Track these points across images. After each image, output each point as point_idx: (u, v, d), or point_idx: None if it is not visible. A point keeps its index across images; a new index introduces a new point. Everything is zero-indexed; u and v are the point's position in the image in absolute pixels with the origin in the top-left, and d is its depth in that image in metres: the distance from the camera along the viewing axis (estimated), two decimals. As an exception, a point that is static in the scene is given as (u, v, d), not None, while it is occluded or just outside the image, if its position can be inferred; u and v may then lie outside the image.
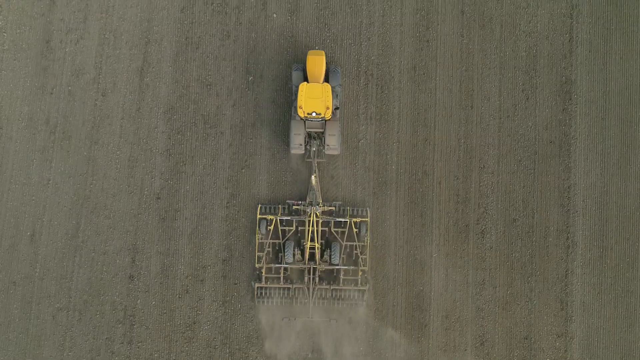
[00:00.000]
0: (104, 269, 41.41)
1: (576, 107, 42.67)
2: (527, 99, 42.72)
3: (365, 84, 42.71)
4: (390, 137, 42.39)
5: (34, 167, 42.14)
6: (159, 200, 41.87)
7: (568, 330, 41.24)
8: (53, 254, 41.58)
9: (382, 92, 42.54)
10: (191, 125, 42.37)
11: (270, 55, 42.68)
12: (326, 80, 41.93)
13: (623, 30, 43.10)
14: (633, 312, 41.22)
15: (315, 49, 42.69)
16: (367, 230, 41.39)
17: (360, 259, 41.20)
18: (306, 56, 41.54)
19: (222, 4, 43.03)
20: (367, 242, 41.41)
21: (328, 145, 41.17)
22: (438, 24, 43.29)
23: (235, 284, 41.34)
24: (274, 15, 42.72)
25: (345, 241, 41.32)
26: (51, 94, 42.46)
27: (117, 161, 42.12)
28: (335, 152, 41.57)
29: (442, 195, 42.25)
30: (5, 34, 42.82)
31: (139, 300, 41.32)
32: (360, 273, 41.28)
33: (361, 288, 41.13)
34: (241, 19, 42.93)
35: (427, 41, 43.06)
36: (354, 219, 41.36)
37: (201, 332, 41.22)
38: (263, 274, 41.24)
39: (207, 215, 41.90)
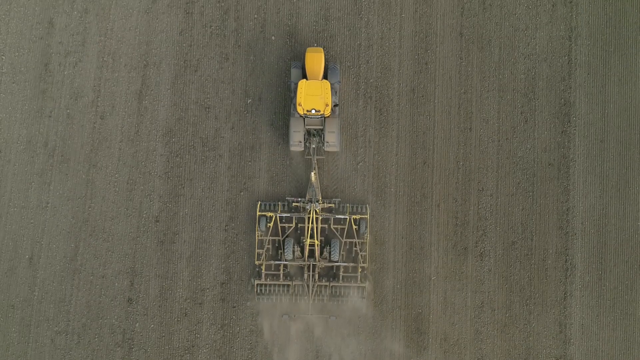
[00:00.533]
0: (103, 292, 43.04)
1: (575, 129, 44.36)
2: (526, 121, 44.41)
3: (364, 107, 44.46)
4: (389, 159, 44.11)
5: (32, 190, 43.79)
6: (157, 223, 43.51)
7: (567, 352, 42.87)
8: (52, 277, 43.20)
9: (381, 114, 44.27)
10: (190, 148, 44.08)
11: (269, 77, 44.47)
12: (325, 77, 43.85)
13: (622, 53, 44.82)
14: (632, 335, 42.83)
15: (313, 46, 44.48)
16: (366, 227, 43.26)
17: (359, 256, 43.06)
18: (305, 53, 43.54)
19: (221, 26, 44.81)
20: (366, 239, 43.30)
21: (327, 142, 43.03)
22: (437, 47, 45.02)
23: (234, 307, 42.96)
24: (273, 37, 44.49)
25: (345, 238, 43.20)
26: (50, 116, 44.16)
27: (116, 184, 43.79)
28: (335, 149, 43.55)
29: (440, 217, 43.89)
30: (3, 57, 44.59)
31: (137, 324, 42.93)
32: (359, 270, 43.09)
33: (361, 285, 42.97)
34: (240, 42, 44.71)
35: (426, 63, 44.82)
36: (354, 216, 43.28)
37: (200, 356, 42.86)
38: (263, 271, 43.07)
39: (206, 238, 43.55)
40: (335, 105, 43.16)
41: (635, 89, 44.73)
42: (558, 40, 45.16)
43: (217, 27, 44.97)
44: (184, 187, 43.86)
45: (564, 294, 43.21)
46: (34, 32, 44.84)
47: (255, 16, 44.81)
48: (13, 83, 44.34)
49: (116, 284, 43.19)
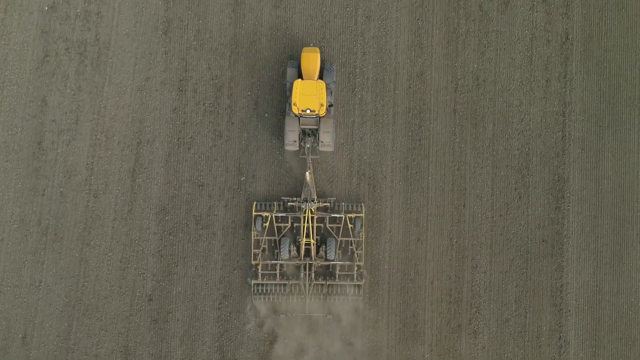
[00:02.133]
0: (97, 372, 48.42)
1: (569, 205, 49.82)
2: (520, 197, 49.84)
3: (358, 184, 49.97)
4: (383, 236, 49.58)
5: (25, 269, 49.22)
6: (150, 302, 48.84)
7: None
8: (45, 356, 48.69)
9: (374, 191, 49.72)
10: (183, 227, 49.48)
11: (262, 155, 50.08)
12: (320, 77, 48.79)
13: (615, 128, 50.34)
14: (625, 413, 48.34)
15: (310, 46, 50.44)
16: (362, 225, 48.96)
17: (355, 254, 48.32)
18: (301, 53, 49.05)
19: (214, 103, 50.25)
20: (362, 237, 48.97)
21: (322, 142, 48.07)
22: (430, 123, 50.52)
23: (228, 386, 48.39)
24: (266, 114, 49.81)
25: (341, 237, 48.27)
26: (43, 195, 49.52)
27: (109, 263, 49.17)
28: (330, 149, 49.16)
29: (434, 295, 49.38)
30: (-4, 135, 50.01)
31: (131, 403, 48.37)
32: (356, 268, 48.74)
33: (357, 283, 48.61)
34: (233, 119, 50.18)
35: (420, 140, 50.27)
36: (349, 215, 48.67)
37: None
38: (259, 271, 48.22)
39: (199, 317, 49.00)
40: (330, 106, 48.12)
41: (629, 164, 50.12)
42: (552, 116, 50.59)
43: (211, 105, 50.38)
44: (177, 266, 49.20)
45: (558, 372, 48.56)
46: (27, 110, 50.18)
47: (249, 93, 50.25)
48: (6, 161, 49.67)
49: (110, 364, 48.48)
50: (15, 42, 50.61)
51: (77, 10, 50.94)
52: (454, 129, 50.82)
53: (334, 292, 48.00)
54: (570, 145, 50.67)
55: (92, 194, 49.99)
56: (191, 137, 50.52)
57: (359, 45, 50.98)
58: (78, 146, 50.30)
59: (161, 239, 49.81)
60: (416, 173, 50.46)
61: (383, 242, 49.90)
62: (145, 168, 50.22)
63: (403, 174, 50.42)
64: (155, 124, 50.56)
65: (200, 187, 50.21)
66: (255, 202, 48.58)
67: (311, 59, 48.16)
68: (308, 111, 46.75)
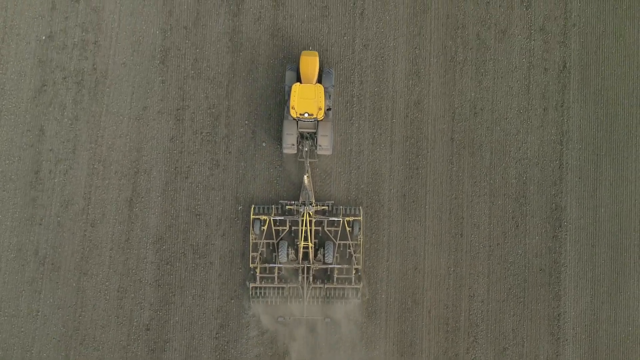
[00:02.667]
0: (94, 402, 49.89)
1: (566, 234, 51.22)
2: (517, 226, 51.16)
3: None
4: (380, 265, 51.03)
5: (22, 299, 50.60)
6: (148, 331, 50.19)
7: None
8: (42, 387, 49.88)
9: (372, 220, 51.07)
10: (180, 256, 50.90)
11: (259, 184, 51.77)
12: (319, 81, 50.54)
13: (613, 157, 51.75)
14: None
15: (308, 49, 52.20)
16: (360, 228, 50.63)
17: (353, 258, 49.98)
18: (300, 56, 50.82)
19: (212, 132, 51.60)
20: (360, 240, 50.68)
21: (320, 146, 49.78)
22: (428, 152, 51.91)
23: (225, 416, 49.81)
24: (264, 144, 51.09)
25: (339, 240, 50.01)
26: (40, 224, 50.87)
27: (106, 292, 50.54)
28: (328, 153, 50.93)
29: (431, 324, 50.80)
30: (-7, 164, 51.45)
31: None
32: (353, 271, 50.39)
33: (355, 286, 50.23)
34: (230, 148, 51.55)
35: (417, 169, 51.64)
36: (347, 218, 50.27)
37: None
38: (257, 274, 49.77)
39: (197, 346, 50.48)
40: (329, 109, 50.02)
41: (626, 192, 51.62)
42: (549, 144, 51.94)
43: (208, 134, 51.73)
44: (174, 295, 50.56)
45: (555, 401, 50.02)
46: (24, 140, 51.57)
47: (246, 122, 51.69)
48: (3, 191, 51.07)
49: (108, 394, 49.95)
50: (12, 71, 52.06)
51: (75, 40, 52.38)
52: (451, 157, 52.16)
53: (332, 295, 49.61)
54: (567, 173, 52.02)
55: (89, 224, 51.29)
56: (188, 167, 51.84)
57: (356, 74, 52.38)
58: (75, 175, 51.67)
59: (158, 268, 51.13)
60: (413, 202, 51.76)
61: (380, 271, 51.23)
62: (142, 197, 51.55)
63: (400, 203, 51.74)
64: (152, 153, 51.90)
65: (198, 216, 51.51)
66: (253, 206, 50.20)
67: (310, 63, 49.81)
68: (306, 115, 48.36)
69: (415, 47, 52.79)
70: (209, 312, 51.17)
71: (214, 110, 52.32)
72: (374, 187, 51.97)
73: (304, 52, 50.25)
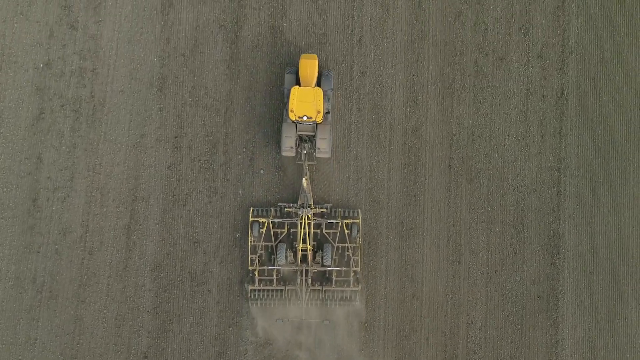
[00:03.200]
0: None
1: (564, 261, 52.46)
2: (515, 253, 52.37)
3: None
4: (378, 293, 52.18)
5: (20, 327, 51.95)
6: (146, 359, 51.71)
7: None
8: (40, 415, 51.12)
9: (370, 247, 52.27)
10: (178, 283, 52.10)
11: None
12: (318, 84, 51.47)
13: (611, 184, 53.03)
14: None
15: (308, 52, 53.54)
16: (358, 231, 52.09)
17: (352, 260, 51.25)
18: (299, 60, 52.10)
19: (210, 160, 52.79)
20: (358, 243, 52.14)
21: (319, 149, 50.84)
22: (425, 179, 53.14)
23: None
24: (262, 171, 52.20)
25: (337, 242, 51.20)
26: (38, 252, 52.09)
27: (104, 320, 51.73)
28: (326, 156, 51.94)
29: (429, 351, 52.22)
30: (-9, 192, 52.68)
31: None
32: (352, 274, 51.58)
33: (353, 288, 51.67)
34: (228, 176, 52.76)
35: (415, 196, 52.84)
36: (346, 221, 51.53)
37: None
38: (256, 276, 51.04)
39: (194, 374, 51.56)
40: (328, 112, 50.97)
41: (624, 220, 52.91)
42: (547, 172, 53.19)
43: (206, 161, 52.94)
44: (172, 323, 51.83)
45: None
46: (22, 168, 52.78)
47: (244, 150, 52.86)
48: (1, 219, 52.39)
49: (106, 423, 51.24)
50: (10, 99, 53.29)
51: (73, 67, 53.57)
52: (449, 184, 53.36)
53: (331, 297, 50.89)
54: (565, 200, 53.24)
55: (87, 251, 52.48)
56: (186, 194, 53.01)
57: (354, 102, 53.62)
58: (73, 203, 52.86)
59: (156, 296, 52.27)
60: (411, 229, 52.96)
61: (378, 299, 52.45)
62: (140, 225, 52.70)
63: (398, 230, 52.96)
64: (150, 181, 53.08)
65: (196, 244, 52.66)
66: (252, 208, 51.47)
67: (309, 66, 50.79)
68: (305, 118, 49.38)
69: (413, 74, 54.01)
70: (206, 340, 52.37)
71: (211, 138, 53.49)
72: (371, 215, 53.11)
73: (303, 55, 51.30)
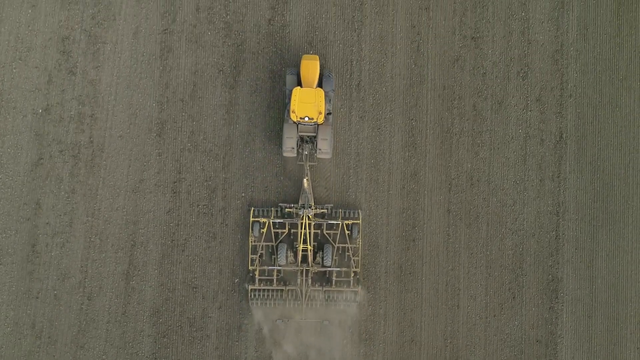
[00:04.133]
0: None
1: (563, 305, 53.87)
2: (514, 297, 53.78)
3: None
4: (377, 338, 53.67)
5: (20, 373, 53.15)
6: (145, 404, 52.81)
7: None
8: None
9: (368, 292, 53.79)
10: (177, 329, 53.54)
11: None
12: (320, 85, 52.78)
13: (609, 228, 54.45)
14: None
15: (309, 54, 54.95)
16: (358, 232, 53.78)
17: (352, 261, 52.96)
18: (300, 60, 53.60)
19: (208, 205, 54.23)
20: (359, 243, 53.79)
21: (320, 150, 52.14)
22: (424, 223, 54.54)
23: None
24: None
25: (338, 243, 52.83)
26: (37, 298, 53.47)
27: (103, 366, 53.14)
28: (327, 156, 53.70)
29: (429, 396, 53.29)
30: (-10, 238, 54.13)
31: None
32: (352, 274, 53.39)
33: (353, 289, 53.27)
34: (227, 221, 54.19)
35: (413, 240, 54.28)
36: (346, 221, 53.17)
37: None
38: (256, 276, 52.68)
39: (194, 420, 53.04)
40: (329, 113, 52.41)
41: (623, 263, 54.36)
42: (546, 216, 54.59)
43: (205, 206, 54.38)
44: (171, 368, 53.23)
45: None
46: (21, 213, 54.19)
47: (243, 195, 54.37)
48: (0, 265, 53.36)
49: None
50: (9, 144, 54.65)
51: (71, 113, 54.98)
52: (447, 229, 54.79)
53: (331, 298, 52.44)
54: (564, 244, 54.68)
55: (86, 297, 53.90)
56: (185, 239, 54.44)
57: (352, 146, 54.98)
58: (72, 249, 54.30)
59: (155, 342, 53.74)
60: (410, 273, 54.40)
61: (377, 343, 53.93)
62: (139, 270, 54.17)
63: (397, 275, 54.39)
64: (149, 226, 54.51)
65: (194, 289, 54.11)
66: (252, 208, 53.09)
67: (310, 67, 51.91)
68: (306, 119, 50.69)
69: (412, 119, 55.43)
70: (205, 385, 53.93)
71: (210, 183, 54.94)
72: (370, 259, 54.52)
73: (304, 56, 52.41)
